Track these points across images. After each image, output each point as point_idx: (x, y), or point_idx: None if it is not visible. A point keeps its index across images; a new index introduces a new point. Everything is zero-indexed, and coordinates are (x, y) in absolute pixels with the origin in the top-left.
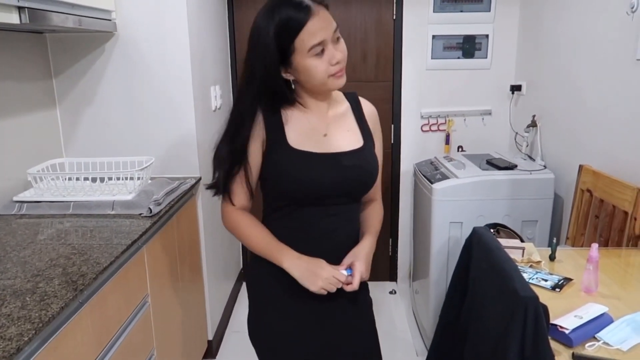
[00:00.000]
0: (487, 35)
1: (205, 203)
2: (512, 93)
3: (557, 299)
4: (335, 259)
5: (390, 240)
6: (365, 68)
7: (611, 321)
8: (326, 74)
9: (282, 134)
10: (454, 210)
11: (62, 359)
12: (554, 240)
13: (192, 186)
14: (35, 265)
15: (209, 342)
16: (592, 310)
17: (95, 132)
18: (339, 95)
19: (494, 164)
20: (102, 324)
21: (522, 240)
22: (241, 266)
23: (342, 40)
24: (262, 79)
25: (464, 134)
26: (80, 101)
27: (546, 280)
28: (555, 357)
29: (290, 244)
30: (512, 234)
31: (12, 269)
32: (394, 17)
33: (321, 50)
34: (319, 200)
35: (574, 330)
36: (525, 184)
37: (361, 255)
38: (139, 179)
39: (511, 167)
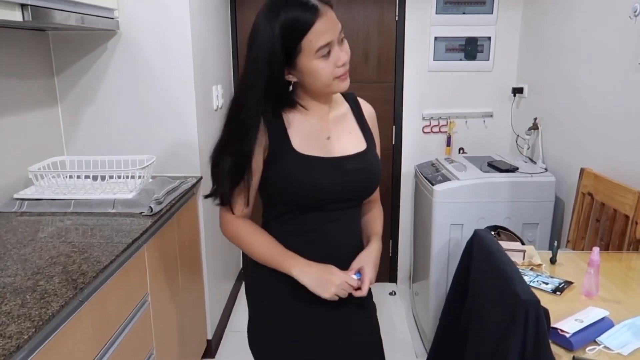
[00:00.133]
0: (489, 38)
1: (206, 202)
2: (514, 95)
3: (557, 303)
4: (340, 264)
5: (391, 241)
6: (367, 69)
7: (612, 325)
8: (332, 76)
9: (286, 139)
10: (455, 212)
11: (61, 358)
12: (555, 244)
13: (193, 185)
14: (36, 263)
15: (208, 341)
16: (592, 314)
17: (97, 130)
18: (339, 96)
19: (495, 166)
20: (102, 323)
21: (522, 243)
22: (241, 266)
23: (346, 42)
24: (266, 81)
25: (465, 136)
26: (82, 99)
27: (547, 284)
28: None
29: (294, 251)
30: (512, 236)
31: (12, 267)
32: (397, 18)
33: (327, 51)
34: (324, 205)
35: (574, 334)
36: (526, 186)
37: (370, 261)
38: (140, 177)
39: (512, 169)
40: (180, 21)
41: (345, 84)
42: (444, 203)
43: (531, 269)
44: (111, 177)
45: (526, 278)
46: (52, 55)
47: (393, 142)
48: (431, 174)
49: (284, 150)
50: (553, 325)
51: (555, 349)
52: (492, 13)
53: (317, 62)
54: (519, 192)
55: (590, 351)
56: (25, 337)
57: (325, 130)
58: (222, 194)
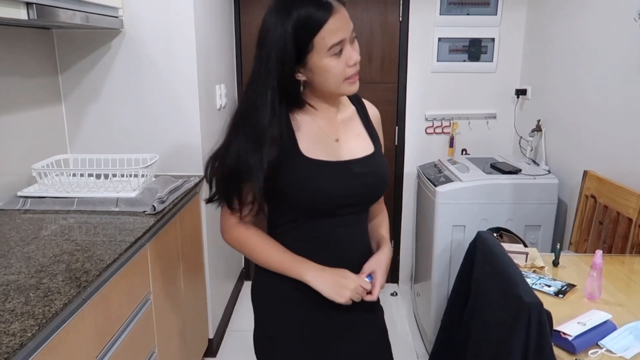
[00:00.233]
0: (493, 39)
1: None
2: (517, 97)
3: (560, 305)
4: (349, 269)
5: (393, 242)
6: (370, 69)
7: (614, 328)
8: (342, 76)
9: (293, 142)
10: (457, 213)
11: (64, 356)
12: (558, 246)
13: (196, 184)
14: (39, 261)
15: (210, 340)
16: (595, 317)
17: (100, 128)
18: (345, 98)
19: (498, 168)
20: (105, 321)
21: (525, 245)
22: (242, 265)
23: (356, 42)
24: (279, 81)
25: (468, 137)
26: (86, 98)
27: (549, 286)
28: None
29: (302, 257)
30: (515, 238)
31: (15, 264)
32: (400, 19)
33: (339, 50)
34: (333, 210)
35: (577, 337)
36: (529, 188)
37: (382, 265)
38: (143, 176)
39: (515, 171)
40: (184, 20)
41: (354, 87)
42: (447, 204)
43: (534, 272)
44: (114, 175)
45: (529, 280)
46: (57, 54)
47: (396, 143)
48: (434, 175)
49: (292, 154)
50: (555, 328)
51: (557, 352)
52: (496, 14)
53: (329, 61)
54: (522, 194)
55: (592, 354)
56: (29, 334)
57: (333, 133)
58: (228, 199)
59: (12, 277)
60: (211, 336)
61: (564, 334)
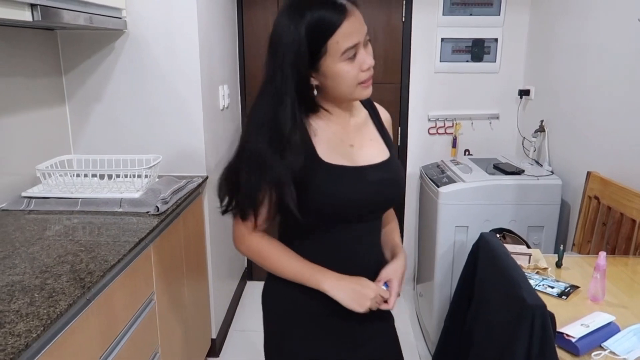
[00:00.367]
0: (496, 39)
1: (212, 202)
2: (521, 97)
3: (563, 307)
4: (365, 275)
5: None
6: (373, 70)
7: (618, 330)
8: (356, 80)
9: (311, 148)
10: (460, 214)
11: (68, 356)
12: (561, 247)
13: (199, 185)
14: (44, 261)
15: (213, 340)
16: (598, 319)
17: (104, 129)
18: (357, 102)
19: (500, 169)
20: (109, 322)
21: (528, 246)
22: (245, 265)
23: (370, 45)
24: (296, 86)
25: (471, 138)
26: (90, 98)
27: (552, 288)
28: None
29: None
30: (518, 239)
31: (20, 265)
32: (403, 20)
33: (353, 54)
34: (351, 217)
35: (580, 338)
36: (532, 189)
37: (399, 274)
38: (146, 176)
39: (518, 172)
40: (187, 21)
41: (368, 92)
42: (449, 205)
43: (537, 273)
44: (118, 176)
45: (532, 282)
46: (60, 54)
47: (398, 144)
48: (436, 175)
49: (311, 160)
50: (559, 329)
51: (561, 353)
52: (499, 14)
53: (342, 65)
54: (525, 195)
55: (595, 356)
56: (34, 335)
57: (348, 138)
58: (243, 208)
59: (17, 278)
60: (214, 336)
61: (568, 335)
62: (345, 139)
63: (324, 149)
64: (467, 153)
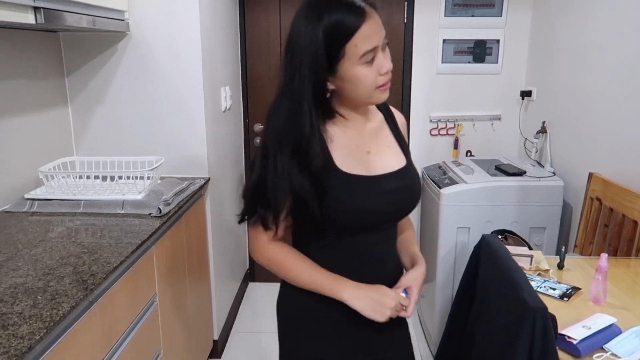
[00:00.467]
0: (498, 40)
1: (214, 204)
2: (522, 99)
3: (565, 309)
4: (382, 283)
5: None
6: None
7: (620, 332)
8: (374, 84)
9: (327, 156)
10: (462, 215)
11: (71, 358)
12: (563, 249)
13: (201, 186)
14: (47, 263)
15: (215, 342)
16: (600, 320)
17: (106, 131)
18: (372, 106)
19: (502, 170)
20: (111, 323)
21: (530, 248)
22: (247, 267)
23: (388, 49)
24: (313, 90)
25: (473, 139)
26: (92, 100)
27: (554, 289)
28: None
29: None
30: (520, 240)
31: (23, 267)
32: (405, 21)
33: (372, 58)
34: (367, 227)
35: (582, 340)
36: (534, 190)
37: (418, 283)
38: (149, 178)
39: (520, 173)
40: (189, 23)
41: (385, 95)
42: (451, 206)
43: (538, 274)
44: (120, 177)
45: (533, 283)
46: (63, 56)
47: None
48: (438, 176)
49: (327, 168)
50: (560, 331)
51: (562, 355)
52: (501, 16)
53: (361, 69)
54: (527, 196)
55: (597, 358)
56: (37, 337)
57: (365, 144)
58: (265, 217)
59: (20, 280)
60: (216, 337)
61: (569, 337)
62: (362, 145)
63: (341, 156)
64: (468, 154)
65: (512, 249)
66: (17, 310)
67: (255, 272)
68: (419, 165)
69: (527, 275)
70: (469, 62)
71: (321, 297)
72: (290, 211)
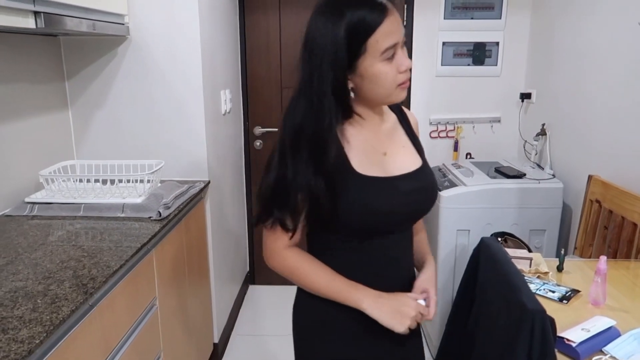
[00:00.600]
0: (497, 43)
1: (213, 207)
2: (522, 101)
3: (564, 311)
4: (399, 287)
5: None
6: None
7: (619, 335)
8: (394, 82)
9: (344, 158)
10: (462, 217)
11: None
12: (562, 252)
13: (201, 190)
14: (47, 267)
15: (215, 345)
16: (599, 323)
17: (107, 134)
18: (386, 106)
19: (502, 172)
20: (111, 327)
21: (529, 250)
22: (247, 269)
23: (405, 48)
24: (333, 89)
25: (473, 141)
26: (92, 104)
27: (553, 292)
28: None
29: (353, 281)
30: (519, 243)
31: (23, 271)
32: (404, 23)
33: (392, 55)
34: (383, 229)
35: (580, 343)
36: (534, 192)
37: (433, 283)
38: (149, 182)
39: (520, 175)
40: (189, 27)
41: (404, 94)
42: (451, 209)
43: (538, 277)
44: (120, 181)
45: (533, 286)
46: (63, 60)
47: None
48: (438, 179)
49: (344, 171)
50: (559, 334)
51: (561, 358)
52: (500, 18)
53: (381, 66)
54: (527, 199)
55: None
56: (37, 341)
57: (380, 145)
58: (282, 219)
59: (20, 284)
60: (216, 340)
61: (568, 340)
62: (378, 147)
63: (357, 158)
64: (468, 156)
65: (511, 252)
66: (17, 314)
67: (256, 274)
68: None
69: (527, 278)
70: (469, 65)
71: (337, 304)
72: (307, 213)
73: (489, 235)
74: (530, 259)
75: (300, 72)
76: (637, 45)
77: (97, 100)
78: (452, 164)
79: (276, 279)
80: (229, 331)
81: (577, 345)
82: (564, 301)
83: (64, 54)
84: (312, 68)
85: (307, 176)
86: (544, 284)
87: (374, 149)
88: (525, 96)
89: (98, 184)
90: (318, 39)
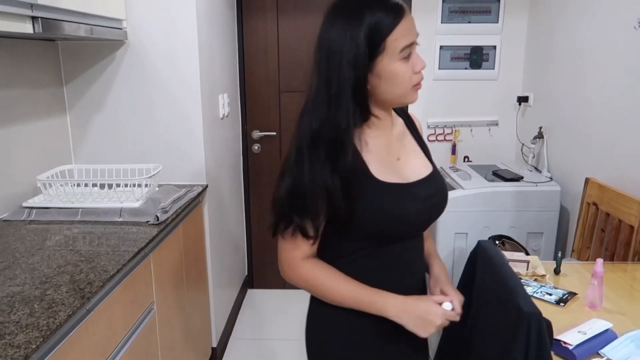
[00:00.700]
0: (494, 46)
1: (211, 210)
2: (519, 104)
3: (561, 314)
4: (415, 290)
5: None
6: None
7: (615, 337)
8: (410, 82)
9: (362, 163)
10: (459, 221)
11: None
12: (559, 254)
13: (199, 194)
14: (44, 272)
15: (213, 349)
16: (596, 325)
17: (104, 139)
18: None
19: (500, 175)
20: (108, 332)
21: (527, 253)
22: (246, 273)
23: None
24: (352, 91)
25: (470, 145)
26: (90, 108)
27: (550, 295)
28: None
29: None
30: (517, 246)
31: (20, 276)
32: None
33: (408, 54)
34: (398, 235)
35: (577, 346)
36: (531, 195)
37: (447, 280)
38: (146, 186)
39: (517, 178)
40: (187, 31)
41: (417, 96)
42: (449, 212)
43: (535, 280)
44: (118, 185)
45: (530, 289)
46: (61, 65)
47: None
48: None
49: (362, 177)
50: (556, 337)
51: None
52: (497, 22)
53: (398, 65)
54: (524, 201)
55: None
56: (34, 346)
57: (394, 151)
58: (302, 226)
59: (17, 289)
60: (214, 345)
61: (565, 343)
62: (392, 152)
63: (375, 163)
64: (466, 160)
65: (508, 255)
66: (13, 319)
67: (254, 278)
68: None
69: (524, 281)
70: (466, 68)
71: (353, 314)
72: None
73: (486, 238)
74: (528, 262)
75: (316, 75)
76: (633, 49)
77: (95, 105)
78: (450, 167)
79: (275, 283)
80: (228, 335)
81: (573, 348)
82: (561, 304)
83: (62, 58)
84: (330, 69)
85: (324, 177)
86: (541, 286)
87: (388, 155)
88: (523, 99)
89: (96, 188)
90: (337, 39)
